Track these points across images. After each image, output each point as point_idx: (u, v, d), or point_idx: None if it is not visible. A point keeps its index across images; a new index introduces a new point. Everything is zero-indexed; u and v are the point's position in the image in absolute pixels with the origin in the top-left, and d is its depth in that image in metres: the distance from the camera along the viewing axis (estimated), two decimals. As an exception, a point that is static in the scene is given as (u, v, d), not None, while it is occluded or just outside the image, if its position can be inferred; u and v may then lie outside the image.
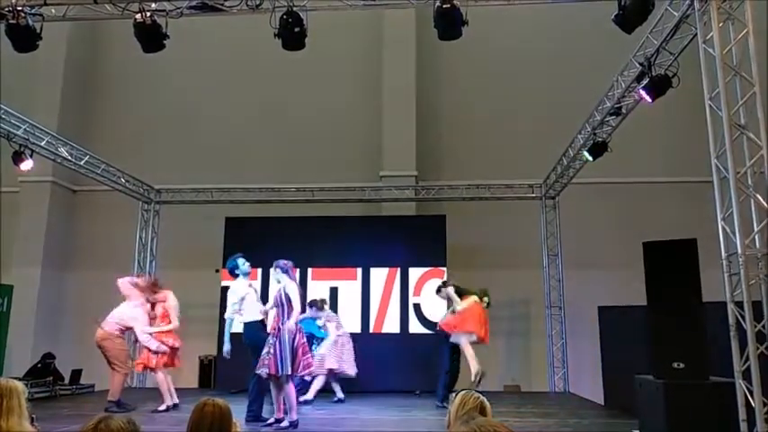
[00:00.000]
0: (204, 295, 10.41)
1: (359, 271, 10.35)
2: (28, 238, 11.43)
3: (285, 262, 6.47)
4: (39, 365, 9.71)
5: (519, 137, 11.59)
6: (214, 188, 11.27)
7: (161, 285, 7.94)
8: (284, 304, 6.24)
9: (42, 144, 8.76)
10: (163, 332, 7.57)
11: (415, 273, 10.35)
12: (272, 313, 6.42)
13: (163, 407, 7.30)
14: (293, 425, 6.13)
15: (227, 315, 6.90)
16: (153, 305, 7.77)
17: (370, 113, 11.92)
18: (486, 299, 7.95)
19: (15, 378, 2.94)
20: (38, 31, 5.83)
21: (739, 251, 4.72)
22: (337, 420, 7.07)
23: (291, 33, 5.79)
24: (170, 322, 7.63)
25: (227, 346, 6.69)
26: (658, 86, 6.29)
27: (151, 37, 5.89)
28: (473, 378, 7.56)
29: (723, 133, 4.93)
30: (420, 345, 10.00)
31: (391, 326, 10.15)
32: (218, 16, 6.32)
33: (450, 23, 5.71)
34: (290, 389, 6.15)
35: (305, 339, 6.32)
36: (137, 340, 8.03)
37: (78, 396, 9.41)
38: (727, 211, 4.91)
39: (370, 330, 10.10)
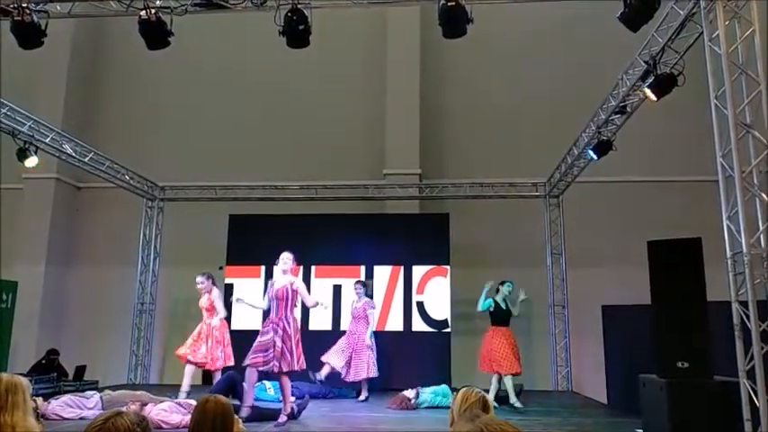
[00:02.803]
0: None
1: (362, 269, 10.35)
2: (32, 235, 11.46)
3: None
4: (43, 361, 9.74)
5: (523, 135, 11.57)
6: (218, 186, 11.28)
7: None
8: (289, 298, 6.32)
9: (47, 141, 8.78)
10: None
11: (418, 271, 10.35)
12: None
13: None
14: (290, 416, 6.35)
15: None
16: None
17: (374, 111, 11.90)
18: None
19: (19, 374, 2.95)
20: (43, 27, 5.84)
21: (744, 250, 4.71)
22: (339, 418, 7.08)
23: (296, 31, 5.79)
24: None
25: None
26: (663, 85, 6.26)
27: (156, 34, 5.89)
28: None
29: (729, 132, 4.91)
30: (423, 343, 10.01)
31: (394, 324, 10.15)
32: (222, 13, 6.31)
33: (454, 21, 5.70)
34: (285, 382, 6.35)
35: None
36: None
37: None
38: (733, 210, 4.89)
39: (374, 328, 10.09)
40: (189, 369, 7.76)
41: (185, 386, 7.62)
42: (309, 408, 7.04)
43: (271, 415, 6.47)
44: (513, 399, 7.71)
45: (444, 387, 8.04)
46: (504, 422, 1.57)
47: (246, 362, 6.31)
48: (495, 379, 7.81)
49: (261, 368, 6.28)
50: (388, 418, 7.07)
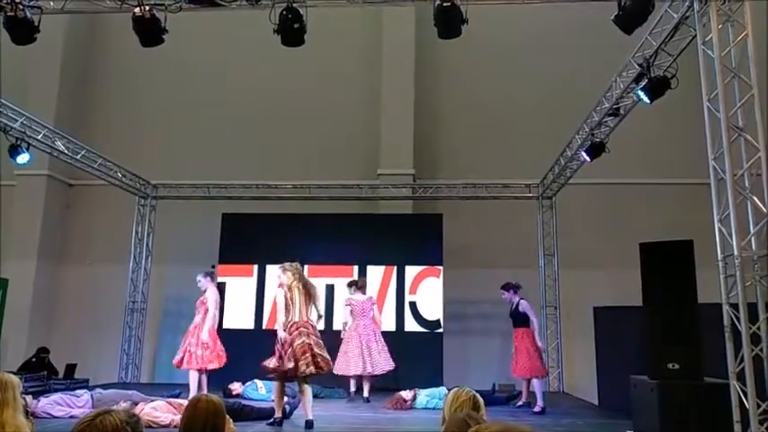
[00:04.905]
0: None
1: (355, 268, 10.34)
2: (23, 232, 11.38)
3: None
4: (33, 360, 9.69)
5: (517, 136, 11.59)
6: (211, 184, 11.24)
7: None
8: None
9: (39, 137, 8.72)
10: None
11: (411, 271, 10.35)
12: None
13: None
14: (282, 416, 6.35)
15: None
16: None
17: (369, 111, 11.89)
18: None
19: (9, 372, 2.93)
20: (36, 23, 5.81)
21: (735, 253, 4.73)
22: (333, 418, 7.06)
23: (291, 29, 5.78)
24: None
25: None
26: (657, 88, 6.29)
27: (150, 31, 5.86)
28: None
29: (721, 135, 4.94)
30: (415, 343, 10.01)
31: (387, 324, 10.12)
32: (217, 11, 6.29)
33: (449, 22, 5.71)
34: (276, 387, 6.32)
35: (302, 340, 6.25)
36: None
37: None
38: (724, 212, 4.92)
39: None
40: (192, 374, 7.65)
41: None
42: (301, 407, 7.03)
43: (266, 414, 6.45)
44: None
45: (442, 389, 8.01)
46: (519, 425, 1.56)
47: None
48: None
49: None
50: (380, 418, 7.07)
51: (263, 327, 10.16)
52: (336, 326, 9.23)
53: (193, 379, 7.59)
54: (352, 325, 8.41)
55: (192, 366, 7.55)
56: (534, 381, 7.73)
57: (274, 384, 6.32)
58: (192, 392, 7.31)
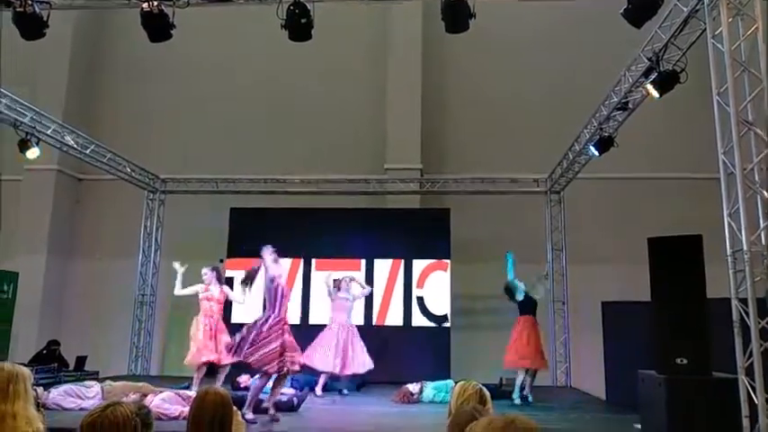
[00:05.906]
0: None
1: (363, 262, 10.37)
2: (33, 226, 11.46)
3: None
4: (44, 352, 9.79)
5: (524, 131, 11.55)
6: (219, 178, 11.29)
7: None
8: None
9: (48, 132, 8.78)
10: None
11: (418, 265, 10.37)
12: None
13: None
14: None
15: None
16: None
17: (376, 106, 11.88)
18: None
19: (21, 364, 2.97)
20: (45, 18, 5.84)
21: (745, 248, 4.71)
22: (339, 412, 7.11)
23: (298, 24, 5.81)
24: None
25: None
26: (666, 81, 6.25)
27: (158, 27, 5.90)
28: None
29: (731, 129, 4.91)
30: (423, 338, 10.04)
31: (394, 318, 10.17)
32: (225, 6, 6.31)
33: (457, 16, 5.72)
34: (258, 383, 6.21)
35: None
36: None
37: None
38: (734, 207, 4.89)
39: (374, 322, 10.12)
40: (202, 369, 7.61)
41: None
42: (308, 400, 7.07)
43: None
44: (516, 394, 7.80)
45: (449, 382, 8.01)
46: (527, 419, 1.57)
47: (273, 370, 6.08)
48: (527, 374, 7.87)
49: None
50: (388, 412, 7.09)
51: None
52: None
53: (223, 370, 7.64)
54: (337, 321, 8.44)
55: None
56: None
57: (274, 379, 6.21)
58: (220, 382, 7.35)
